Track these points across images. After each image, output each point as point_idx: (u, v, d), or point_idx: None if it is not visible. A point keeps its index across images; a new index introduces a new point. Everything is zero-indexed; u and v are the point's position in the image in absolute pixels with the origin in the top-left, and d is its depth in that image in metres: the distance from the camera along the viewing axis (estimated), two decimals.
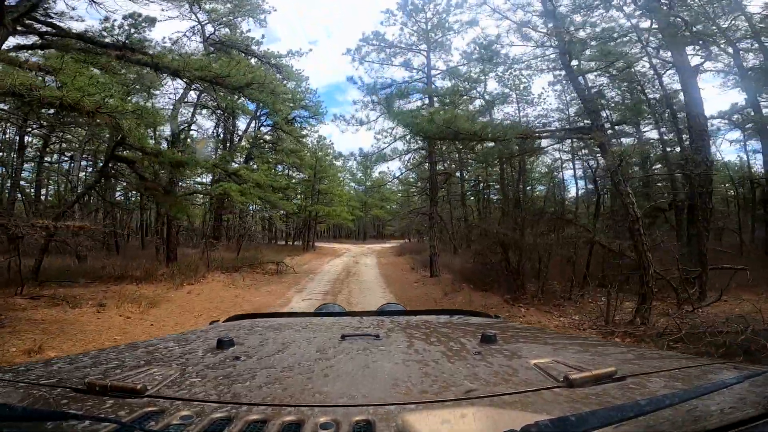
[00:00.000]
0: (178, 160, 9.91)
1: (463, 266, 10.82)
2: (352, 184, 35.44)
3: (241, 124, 22.51)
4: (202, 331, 1.18)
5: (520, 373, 0.69)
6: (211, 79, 7.89)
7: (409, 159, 15.63)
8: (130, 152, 10.21)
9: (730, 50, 10.89)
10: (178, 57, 8.02)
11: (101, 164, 13.67)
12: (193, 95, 17.72)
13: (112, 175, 10.74)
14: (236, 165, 12.34)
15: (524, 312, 6.96)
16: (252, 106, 22.27)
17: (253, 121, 22.06)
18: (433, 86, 12.09)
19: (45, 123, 14.70)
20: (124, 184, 13.58)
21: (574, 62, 7.20)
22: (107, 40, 9.22)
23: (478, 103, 16.70)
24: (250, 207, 26.49)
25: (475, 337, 0.94)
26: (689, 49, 9.82)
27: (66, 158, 17.94)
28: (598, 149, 7.40)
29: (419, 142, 12.43)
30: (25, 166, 17.72)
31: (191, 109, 20.71)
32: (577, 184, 18.92)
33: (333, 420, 0.52)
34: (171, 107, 16.07)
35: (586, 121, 6.62)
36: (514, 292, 8.21)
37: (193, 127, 17.54)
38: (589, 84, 14.08)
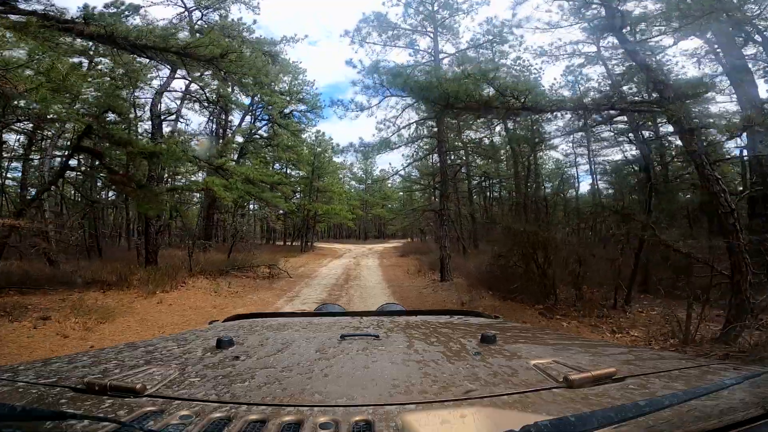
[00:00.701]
0: (151, 151, 8.49)
1: (478, 269, 9.38)
2: (353, 182, 34.05)
3: (236, 120, 21.10)
4: (201, 330, 1.15)
5: (519, 373, 0.67)
6: (177, 51, 6.45)
7: (414, 153, 14.24)
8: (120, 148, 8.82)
9: (759, 38, 9.52)
10: (136, 27, 6.56)
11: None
12: (180, 85, 16.32)
13: (78, 169, 9.32)
14: (223, 159, 10.89)
15: (566, 327, 5.53)
16: (247, 101, 20.95)
17: (248, 116, 20.68)
18: (441, 71, 10.65)
19: (22, 118, 13.35)
20: (95, 177, 12.08)
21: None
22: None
23: (489, 92, 15.27)
24: (250, 206, 25.16)
25: (474, 338, 0.92)
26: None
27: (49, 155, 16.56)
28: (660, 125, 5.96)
29: (426, 130, 10.98)
30: (14, 165, 16.40)
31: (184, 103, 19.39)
32: (593, 178, 17.40)
33: (332, 420, 0.50)
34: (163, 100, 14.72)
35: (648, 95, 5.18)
36: (545, 301, 6.78)
37: (180, 120, 16.04)
38: (610, 71, 12.72)
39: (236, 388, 0.61)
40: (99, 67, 13.33)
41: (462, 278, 9.71)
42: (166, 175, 16.91)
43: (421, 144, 12.62)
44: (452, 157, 17.15)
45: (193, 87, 18.19)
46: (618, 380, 0.63)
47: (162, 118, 11.41)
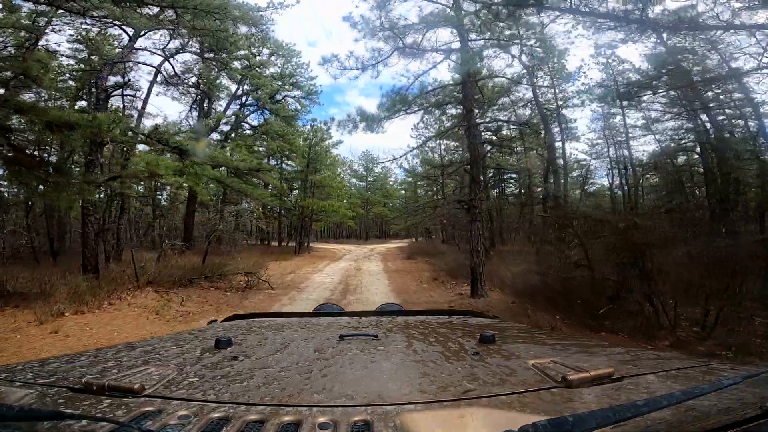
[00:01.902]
0: (64, 121, 5.89)
1: (523, 279, 6.79)
2: (354, 180, 31.40)
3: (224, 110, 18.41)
4: (200, 330, 1.12)
5: (518, 373, 0.66)
6: None
7: (428, 143, 11.58)
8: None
9: None
10: None
11: None
12: (154, 60, 13.72)
13: None
14: (180, 137, 8.27)
15: None
16: (234, 88, 18.34)
17: (236, 104, 18.07)
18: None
19: None
20: None
21: None
22: None
23: (516, 67, 12.61)
24: (245, 204, 22.40)
25: (473, 338, 0.90)
26: None
27: None
28: None
29: (449, 92, 8.30)
30: None
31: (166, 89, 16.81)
32: (627, 171, 14.75)
33: (331, 420, 0.49)
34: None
35: None
36: (656, 330, 4.17)
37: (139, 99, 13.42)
38: None
39: (235, 388, 0.59)
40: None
41: (498, 290, 7.07)
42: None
43: (443, 111, 9.87)
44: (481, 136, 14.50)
45: (174, 70, 15.71)
46: (616, 380, 0.61)
47: (109, 92, 8.77)
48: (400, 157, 7.80)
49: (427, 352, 0.80)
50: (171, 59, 14.71)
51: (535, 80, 13.06)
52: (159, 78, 16.16)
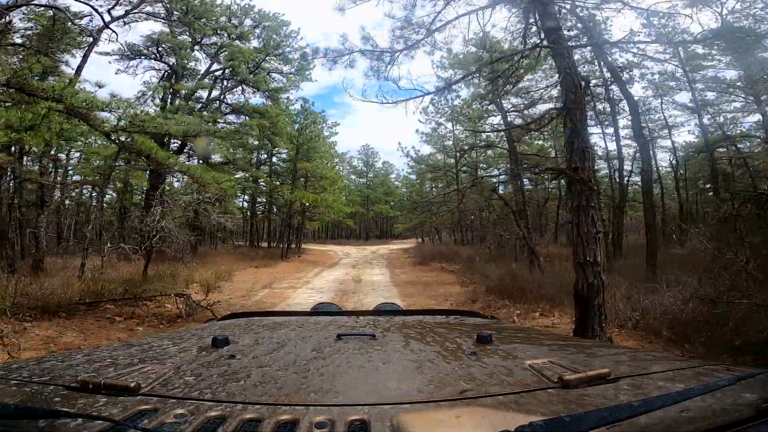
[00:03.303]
0: None
1: (663, 311, 3.63)
2: (353, 176, 28.16)
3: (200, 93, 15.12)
4: (197, 329, 1.08)
5: (515, 373, 0.64)
6: None
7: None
8: None
9: None
10: None
11: None
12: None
13: None
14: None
15: None
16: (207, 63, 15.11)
17: (207, 78, 14.85)
18: None
19: None
20: None
21: None
22: None
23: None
24: (242, 202, 19.12)
25: (470, 338, 0.87)
26: None
27: None
28: None
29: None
30: None
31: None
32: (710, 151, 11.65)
33: (328, 419, 0.48)
34: None
35: None
36: None
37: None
38: None
39: (232, 387, 0.58)
40: None
41: (616, 329, 3.89)
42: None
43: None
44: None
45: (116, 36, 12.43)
46: (612, 381, 0.59)
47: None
48: (424, 95, 4.57)
49: (425, 351, 0.79)
50: (118, 23, 11.30)
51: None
52: (112, 48, 13.05)
